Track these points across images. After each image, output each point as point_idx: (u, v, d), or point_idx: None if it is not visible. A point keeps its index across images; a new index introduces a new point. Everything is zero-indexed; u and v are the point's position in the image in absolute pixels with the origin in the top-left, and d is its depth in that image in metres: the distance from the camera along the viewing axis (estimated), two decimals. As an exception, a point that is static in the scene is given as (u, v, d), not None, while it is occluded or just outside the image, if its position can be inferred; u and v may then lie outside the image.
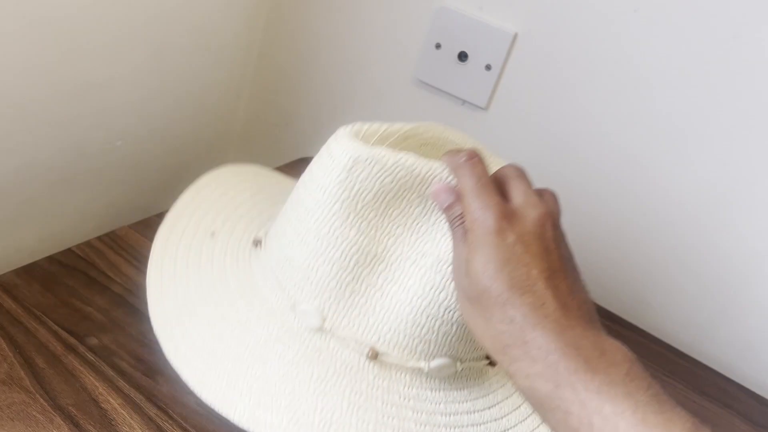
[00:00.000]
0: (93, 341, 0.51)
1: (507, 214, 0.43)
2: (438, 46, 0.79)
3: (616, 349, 0.39)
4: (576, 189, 0.79)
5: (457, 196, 0.46)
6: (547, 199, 0.46)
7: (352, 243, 0.48)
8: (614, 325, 0.74)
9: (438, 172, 0.48)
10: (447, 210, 0.47)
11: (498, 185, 0.46)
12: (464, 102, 0.81)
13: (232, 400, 0.44)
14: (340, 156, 0.49)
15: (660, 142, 0.72)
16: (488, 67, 0.77)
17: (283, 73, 0.91)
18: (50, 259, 0.57)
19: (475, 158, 0.46)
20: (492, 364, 0.53)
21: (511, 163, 0.49)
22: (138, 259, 0.59)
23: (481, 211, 0.44)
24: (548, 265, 0.42)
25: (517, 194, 0.45)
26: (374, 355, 0.48)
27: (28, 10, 0.56)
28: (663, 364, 0.70)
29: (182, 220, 0.57)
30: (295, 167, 0.83)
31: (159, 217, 0.63)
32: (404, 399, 0.49)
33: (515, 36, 0.75)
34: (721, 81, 0.67)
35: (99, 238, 0.61)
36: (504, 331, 0.40)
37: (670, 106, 0.70)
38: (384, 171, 0.48)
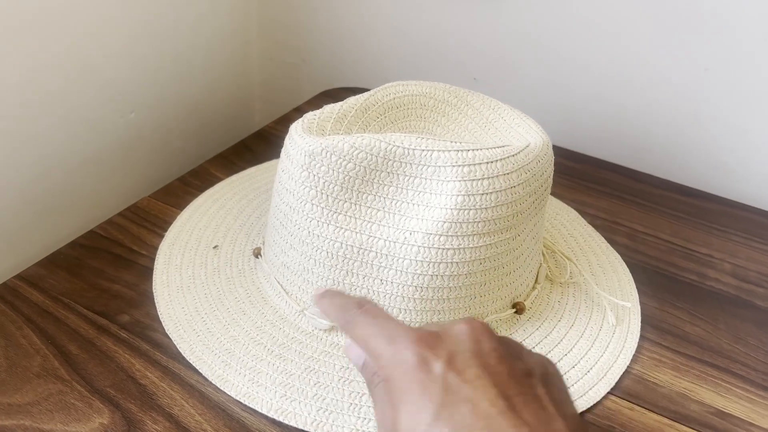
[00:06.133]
0: (124, 318, 0.50)
1: (424, 338, 0.33)
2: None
3: None
4: (605, 75, 0.72)
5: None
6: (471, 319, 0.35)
7: (333, 240, 0.46)
8: (693, 199, 0.68)
9: (398, 142, 0.45)
10: (362, 370, 0.35)
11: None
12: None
13: (257, 394, 0.45)
14: (296, 155, 0.46)
15: None
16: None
17: (287, 6, 0.87)
18: (72, 244, 0.56)
19: (365, 306, 0.36)
20: (519, 312, 0.51)
21: None
22: (162, 227, 0.58)
23: (390, 347, 0.33)
24: (500, 390, 0.31)
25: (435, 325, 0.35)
26: (390, 339, 0.48)
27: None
28: (752, 230, 0.64)
29: (183, 236, 0.57)
30: (317, 102, 0.81)
31: (180, 181, 0.65)
32: (434, 370, 0.48)
33: None
34: None
35: (120, 213, 0.60)
36: None
37: None
38: (342, 158, 0.45)
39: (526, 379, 0.32)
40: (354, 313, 0.36)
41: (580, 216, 0.64)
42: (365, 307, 0.36)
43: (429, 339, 0.33)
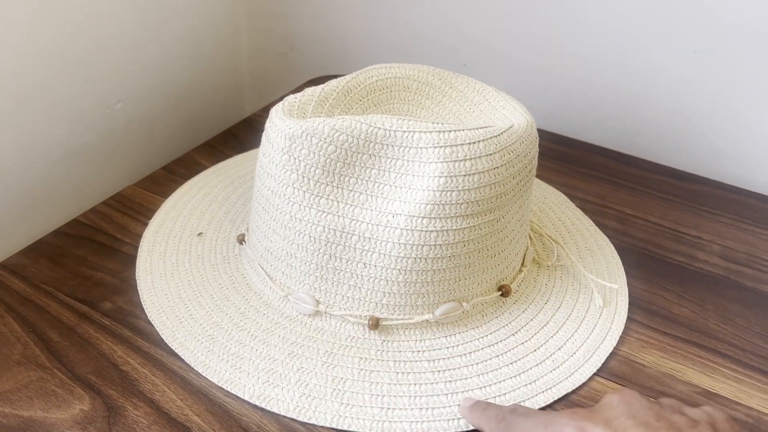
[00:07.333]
0: (107, 306, 0.49)
1: (577, 412, 0.36)
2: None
3: None
4: (595, 60, 0.71)
5: None
6: None
7: (315, 224, 0.46)
8: (683, 182, 0.68)
9: (379, 124, 0.44)
10: None
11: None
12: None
13: (239, 379, 0.45)
14: (277, 139, 0.46)
15: None
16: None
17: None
18: (56, 232, 0.56)
19: (517, 409, 0.39)
20: (505, 294, 0.50)
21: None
22: (146, 215, 0.58)
23: (548, 430, 0.35)
24: None
25: None
26: (375, 323, 0.47)
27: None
28: (741, 212, 0.64)
29: (167, 224, 0.57)
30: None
31: (165, 170, 0.65)
32: (418, 353, 0.48)
33: None
34: None
35: (104, 202, 0.59)
36: None
37: None
38: (323, 141, 0.44)
39: (691, 430, 0.33)
40: (508, 418, 0.38)
41: (568, 200, 0.64)
42: (518, 410, 0.39)
43: (582, 412, 0.35)
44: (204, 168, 0.64)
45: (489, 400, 0.44)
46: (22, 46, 0.59)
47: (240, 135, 0.71)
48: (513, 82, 0.78)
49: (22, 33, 0.59)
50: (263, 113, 0.75)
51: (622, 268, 0.56)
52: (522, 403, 0.44)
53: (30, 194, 0.64)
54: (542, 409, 0.44)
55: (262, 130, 0.71)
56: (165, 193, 0.60)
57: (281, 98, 0.77)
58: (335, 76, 0.84)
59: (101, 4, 0.65)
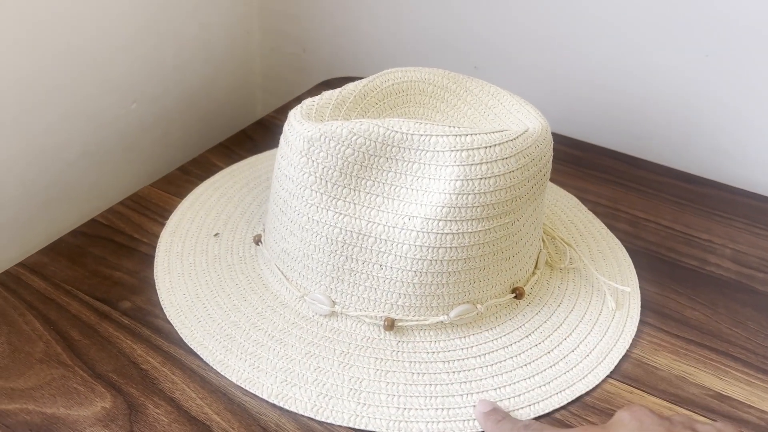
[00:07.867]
0: (126, 305, 0.50)
1: (591, 430, 0.37)
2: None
3: None
4: (605, 63, 0.72)
5: None
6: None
7: (332, 226, 0.46)
8: (694, 186, 0.68)
9: (397, 127, 0.45)
10: None
11: None
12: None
13: (257, 379, 0.45)
14: (295, 141, 0.46)
15: None
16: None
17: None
18: (74, 232, 0.57)
19: (531, 425, 0.40)
20: (518, 296, 0.51)
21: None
22: (163, 216, 0.59)
23: None
24: None
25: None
26: (390, 324, 0.48)
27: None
28: (753, 215, 0.64)
29: (183, 224, 0.58)
30: (317, 92, 0.81)
31: (180, 171, 0.65)
32: (433, 354, 0.48)
33: None
34: None
35: (121, 202, 0.60)
36: None
37: None
38: (341, 144, 0.45)
39: None
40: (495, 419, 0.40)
41: (580, 203, 0.64)
42: (532, 426, 0.40)
43: (594, 430, 0.36)
44: (219, 169, 0.65)
45: (503, 401, 0.45)
46: (38, 47, 0.60)
47: (254, 136, 0.72)
48: (523, 85, 0.78)
49: (39, 35, 0.59)
50: (277, 115, 0.75)
51: (634, 271, 0.57)
52: (536, 404, 0.45)
53: (46, 194, 0.64)
54: (556, 411, 0.45)
55: (276, 131, 0.72)
56: (181, 194, 0.61)
57: (296, 99, 0.79)
58: (347, 78, 0.84)
59: (116, 7, 0.66)
